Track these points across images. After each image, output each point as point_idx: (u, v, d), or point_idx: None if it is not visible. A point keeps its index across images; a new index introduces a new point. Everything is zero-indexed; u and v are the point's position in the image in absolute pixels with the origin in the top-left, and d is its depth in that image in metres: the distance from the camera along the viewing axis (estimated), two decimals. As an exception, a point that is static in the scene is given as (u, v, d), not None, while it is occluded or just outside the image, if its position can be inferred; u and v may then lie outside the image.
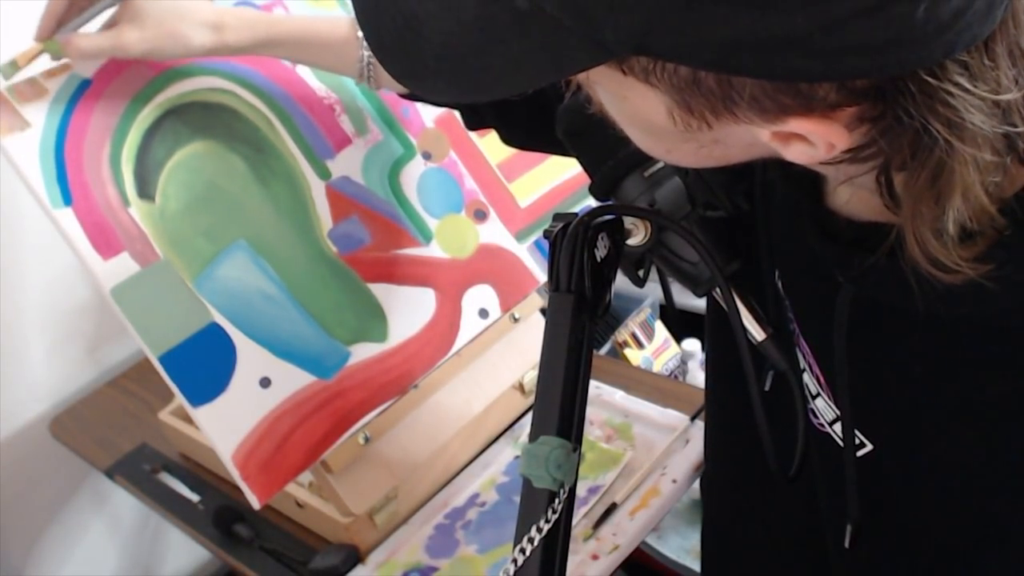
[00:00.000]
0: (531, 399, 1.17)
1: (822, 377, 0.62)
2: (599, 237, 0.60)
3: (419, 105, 1.07)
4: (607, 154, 0.68)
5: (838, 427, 0.62)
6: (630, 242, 0.63)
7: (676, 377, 1.66)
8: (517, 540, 0.55)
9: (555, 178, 1.13)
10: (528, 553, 0.54)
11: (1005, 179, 0.45)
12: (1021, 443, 0.53)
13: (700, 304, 1.81)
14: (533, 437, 0.57)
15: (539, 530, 0.54)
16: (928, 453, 0.58)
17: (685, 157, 0.50)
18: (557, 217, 0.62)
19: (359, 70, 0.87)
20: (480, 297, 1.04)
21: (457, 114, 1.09)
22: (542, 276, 1.08)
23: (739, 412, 0.68)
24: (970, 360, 0.53)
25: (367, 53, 0.86)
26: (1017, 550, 0.58)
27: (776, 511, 0.76)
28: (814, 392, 0.64)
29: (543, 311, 1.14)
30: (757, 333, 0.64)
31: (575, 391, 0.58)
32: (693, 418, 1.10)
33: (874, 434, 0.60)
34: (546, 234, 0.61)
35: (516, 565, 0.54)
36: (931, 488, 0.59)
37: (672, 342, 1.69)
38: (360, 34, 0.86)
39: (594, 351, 0.61)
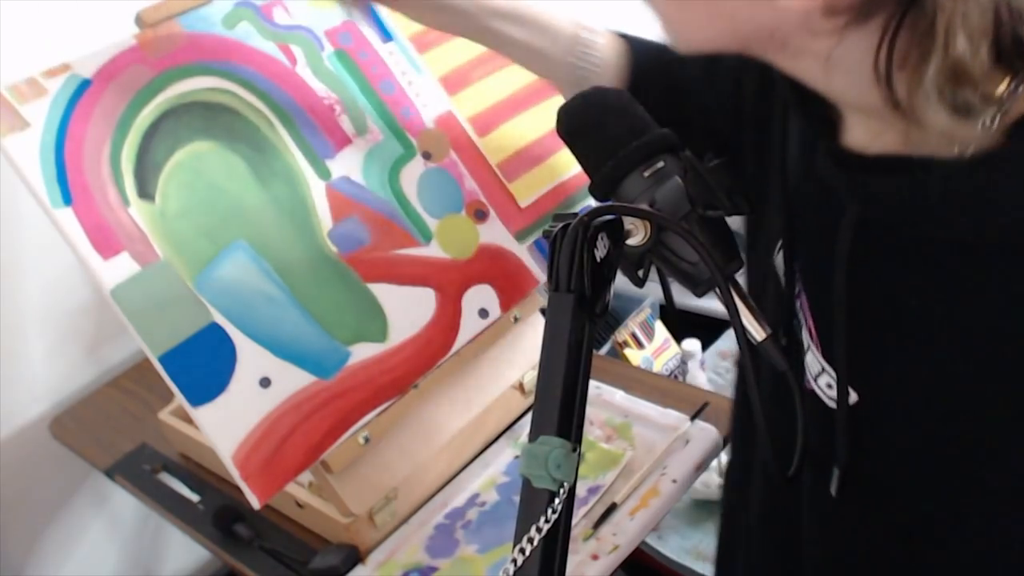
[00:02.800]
0: (531, 399, 1.17)
1: (815, 330, 0.64)
2: (599, 237, 0.60)
3: (419, 105, 1.08)
4: (607, 154, 0.68)
5: (823, 381, 0.64)
6: (630, 242, 0.63)
7: (676, 377, 1.66)
8: (517, 540, 0.55)
9: (555, 178, 1.13)
10: (528, 553, 0.54)
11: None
12: (1011, 371, 0.54)
13: (700, 304, 1.82)
14: (533, 437, 0.57)
15: (539, 530, 0.54)
16: (914, 398, 0.59)
17: (696, 18, 0.55)
18: (557, 217, 0.62)
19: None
20: (480, 297, 1.04)
21: (459, 115, 1.09)
22: (542, 276, 1.08)
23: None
24: (965, 284, 0.55)
25: (581, 81, 0.84)
26: (1001, 494, 0.59)
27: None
28: (804, 347, 0.65)
29: (543, 311, 1.14)
30: (757, 333, 0.65)
31: (575, 391, 0.58)
32: (693, 418, 1.10)
33: (862, 383, 0.61)
34: (546, 234, 0.61)
35: (516, 565, 0.54)
36: (917, 434, 0.60)
37: (672, 342, 1.69)
38: (584, 34, 0.83)
39: (594, 351, 0.61)
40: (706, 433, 1.08)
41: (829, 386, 0.64)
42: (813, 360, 0.65)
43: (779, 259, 0.68)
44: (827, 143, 0.61)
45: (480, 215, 1.08)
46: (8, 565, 1.50)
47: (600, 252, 0.60)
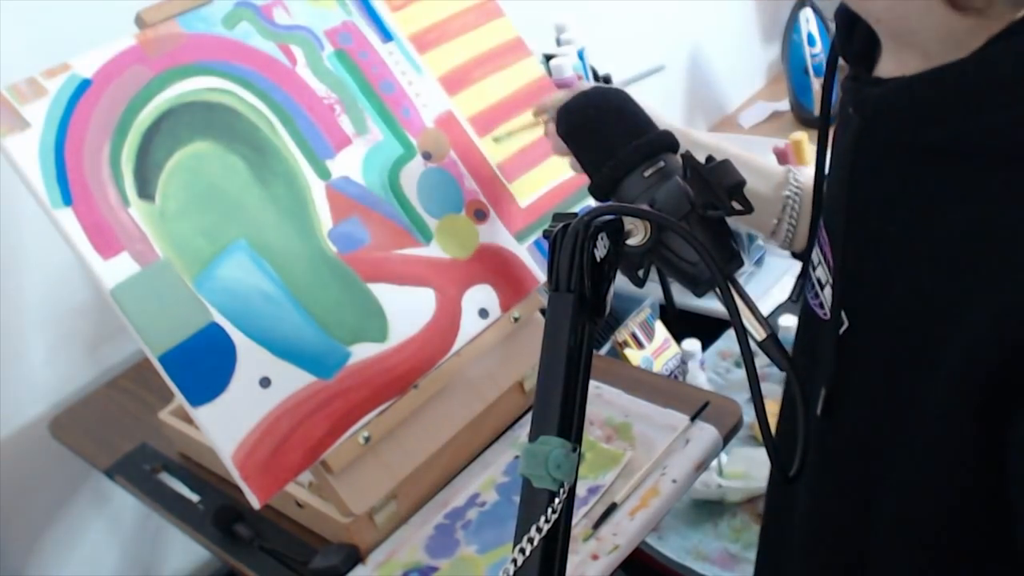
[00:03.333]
0: (531, 399, 1.17)
1: (832, 262, 0.66)
2: (599, 237, 0.60)
3: (419, 105, 1.08)
4: (607, 154, 0.68)
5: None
6: (630, 242, 0.63)
7: (676, 377, 1.66)
8: (517, 540, 0.55)
9: (555, 178, 1.13)
10: (528, 553, 0.54)
11: None
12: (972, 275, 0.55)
13: (700, 304, 1.82)
14: (533, 437, 0.57)
15: (539, 530, 0.54)
16: (900, 323, 0.60)
17: None
18: (557, 217, 0.62)
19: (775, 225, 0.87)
20: (480, 297, 1.04)
21: (459, 115, 1.09)
22: (542, 276, 1.08)
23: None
24: (945, 195, 0.56)
25: (792, 208, 0.86)
26: None
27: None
28: (823, 282, 0.68)
29: (543, 311, 1.14)
30: (757, 333, 0.65)
31: (575, 391, 0.58)
32: (693, 418, 1.10)
33: (851, 304, 0.64)
34: (546, 234, 0.62)
35: (516, 565, 0.54)
36: (902, 360, 0.61)
37: (672, 342, 1.68)
38: (787, 192, 0.86)
39: (594, 351, 0.61)
40: (706, 433, 1.08)
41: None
42: (830, 293, 0.67)
43: None
44: (856, 71, 0.63)
45: (480, 215, 1.08)
46: (8, 565, 1.50)
47: (600, 252, 0.60)
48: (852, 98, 0.61)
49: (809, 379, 0.69)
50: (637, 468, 1.06)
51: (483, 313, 1.04)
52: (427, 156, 1.06)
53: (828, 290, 0.67)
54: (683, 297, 1.75)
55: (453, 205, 1.06)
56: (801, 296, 0.76)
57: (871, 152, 0.60)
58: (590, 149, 0.70)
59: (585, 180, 0.71)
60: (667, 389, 1.20)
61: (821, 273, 0.69)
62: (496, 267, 1.06)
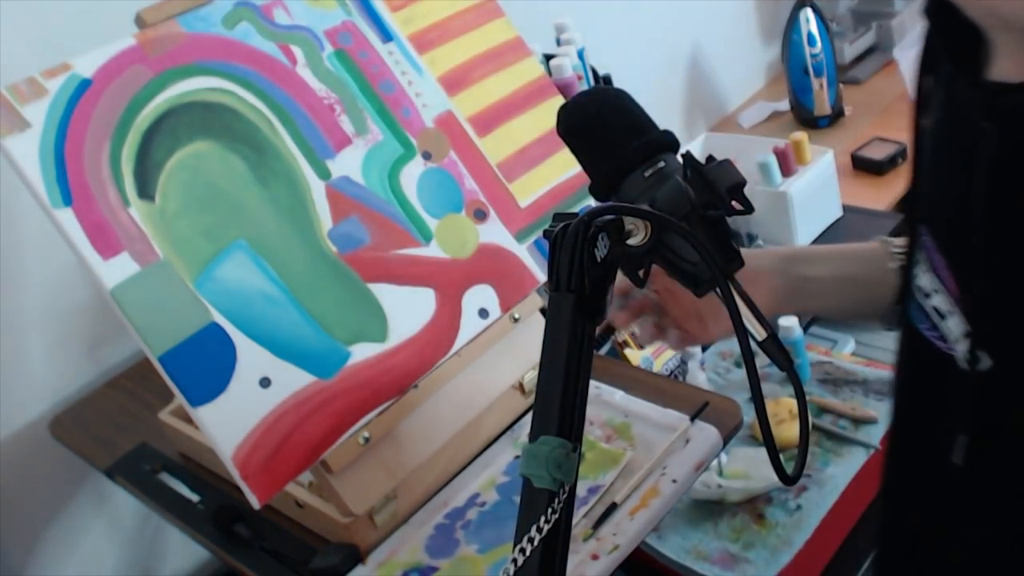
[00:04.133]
0: (531, 399, 1.17)
1: (957, 289, 0.61)
2: (599, 237, 0.60)
3: (419, 105, 1.08)
4: (607, 154, 0.68)
5: (965, 347, 0.60)
6: (630, 242, 0.63)
7: (676, 377, 1.65)
8: (517, 540, 0.55)
9: (555, 178, 1.13)
10: (528, 553, 0.54)
11: None
12: None
13: (700, 304, 1.79)
14: (533, 437, 0.57)
15: (539, 530, 0.54)
16: None
17: None
18: (557, 217, 0.62)
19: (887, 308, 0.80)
20: (480, 297, 1.04)
21: (459, 115, 1.09)
22: (542, 276, 1.08)
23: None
24: None
25: None
26: None
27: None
28: (944, 312, 0.62)
29: (543, 311, 1.14)
30: (757, 333, 0.64)
31: (575, 391, 0.58)
32: (693, 418, 1.10)
33: (999, 341, 0.58)
34: (546, 234, 0.61)
35: (516, 565, 0.54)
36: None
37: (672, 342, 1.68)
38: (892, 265, 0.77)
39: (594, 351, 0.61)
40: (706, 433, 1.08)
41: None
42: (957, 323, 0.62)
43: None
44: (970, 75, 0.58)
45: (480, 215, 1.07)
46: (8, 565, 1.50)
47: (600, 252, 0.60)
48: (987, 110, 0.56)
49: (929, 419, 0.65)
50: (637, 468, 1.06)
51: (483, 313, 1.04)
52: (427, 156, 1.06)
53: (953, 321, 0.62)
54: (683, 297, 1.75)
55: (453, 205, 1.06)
56: (904, 324, 0.70)
57: (1017, 164, 0.55)
58: (590, 148, 0.70)
59: (585, 179, 0.71)
60: (667, 389, 1.20)
61: (939, 302, 0.63)
62: (496, 267, 1.06)
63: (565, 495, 0.55)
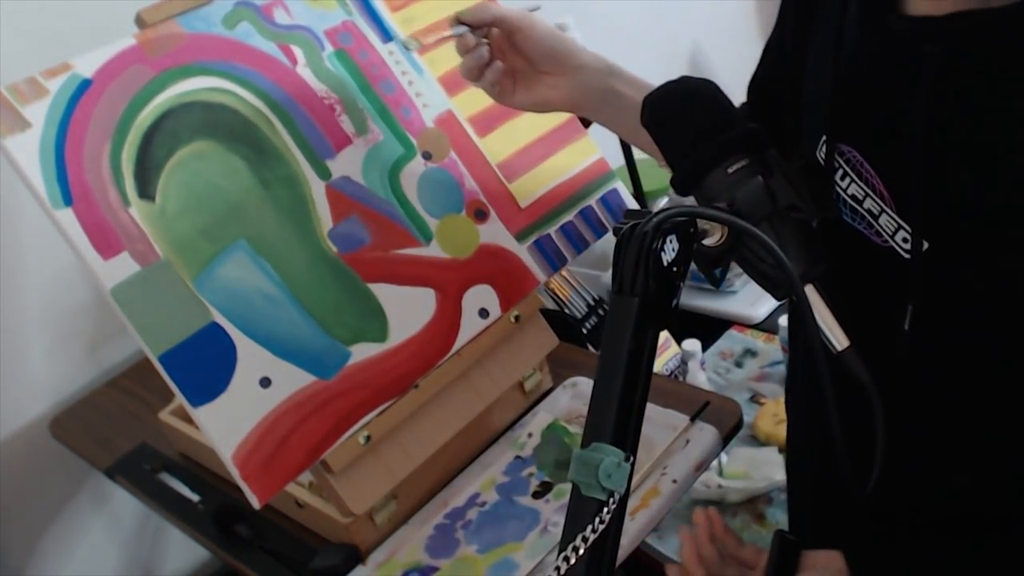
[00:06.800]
0: (531, 399, 1.17)
1: (886, 191, 0.66)
2: (667, 239, 0.58)
3: (419, 105, 1.08)
4: (689, 147, 0.66)
5: (900, 236, 0.66)
6: (706, 242, 0.61)
7: (676, 377, 1.65)
8: (562, 547, 0.53)
9: (555, 178, 1.13)
10: (573, 562, 0.52)
11: None
12: None
13: (700, 304, 1.81)
14: (585, 442, 0.55)
15: (584, 540, 0.52)
16: (983, 236, 0.61)
17: None
18: (628, 214, 0.60)
19: None
20: (480, 297, 1.04)
21: (459, 115, 1.09)
22: (542, 276, 1.08)
23: None
24: None
25: None
26: None
27: None
28: (876, 212, 0.67)
29: (543, 311, 1.14)
30: (837, 342, 0.62)
31: (632, 399, 0.56)
32: (693, 418, 1.10)
33: (936, 227, 0.64)
34: (614, 231, 0.59)
35: (559, 573, 0.52)
36: (985, 273, 0.62)
37: (672, 342, 1.68)
38: None
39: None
40: (706, 433, 1.08)
41: (905, 240, 0.65)
42: (888, 221, 0.66)
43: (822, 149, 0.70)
44: (893, 11, 0.64)
45: (480, 215, 1.07)
46: (8, 565, 1.50)
47: (668, 256, 0.58)
48: (930, 34, 0.62)
49: (879, 299, 0.69)
50: (637, 468, 1.06)
51: (483, 313, 1.04)
52: (427, 156, 1.06)
53: (884, 219, 0.67)
54: (683, 297, 1.75)
55: (453, 205, 1.06)
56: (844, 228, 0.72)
57: (951, 79, 0.61)
58: (674, 140, 0.67)
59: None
60: (667, 389, 1.20)
61: (872, 205, 0.67)
62: (496, 267, 1.06)
63: (615, 505, 0.53)
